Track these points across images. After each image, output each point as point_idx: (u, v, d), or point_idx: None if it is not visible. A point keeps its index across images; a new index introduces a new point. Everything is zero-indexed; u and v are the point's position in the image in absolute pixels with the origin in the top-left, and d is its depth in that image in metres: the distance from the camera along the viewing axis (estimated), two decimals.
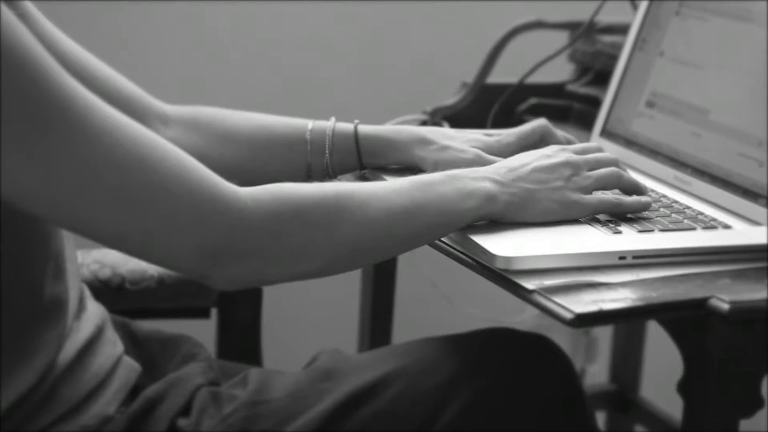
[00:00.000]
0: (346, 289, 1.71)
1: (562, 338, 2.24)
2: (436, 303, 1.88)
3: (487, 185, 1.01)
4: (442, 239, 1.05)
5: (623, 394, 1.89)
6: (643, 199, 1.09)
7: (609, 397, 1.89)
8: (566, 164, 1.06)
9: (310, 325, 2.06)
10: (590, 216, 1.07)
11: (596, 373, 2.20)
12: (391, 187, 0.99)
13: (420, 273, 1.67)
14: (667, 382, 1.83)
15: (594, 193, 1.07)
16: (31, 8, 1.05)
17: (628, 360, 1.89)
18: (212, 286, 0.92)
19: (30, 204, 0.84)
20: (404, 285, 1.58)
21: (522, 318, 2.00)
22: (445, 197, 0.99)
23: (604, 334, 2.12)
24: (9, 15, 0.81)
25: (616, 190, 1.10)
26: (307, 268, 0.94)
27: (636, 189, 1.10)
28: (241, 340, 1.46)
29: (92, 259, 1.34)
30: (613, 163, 1.10)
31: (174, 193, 0.86)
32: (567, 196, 1.05)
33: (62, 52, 1.08)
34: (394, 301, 1.54)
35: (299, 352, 1.44)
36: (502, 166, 1.06)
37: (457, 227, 1.02)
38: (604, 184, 1.08)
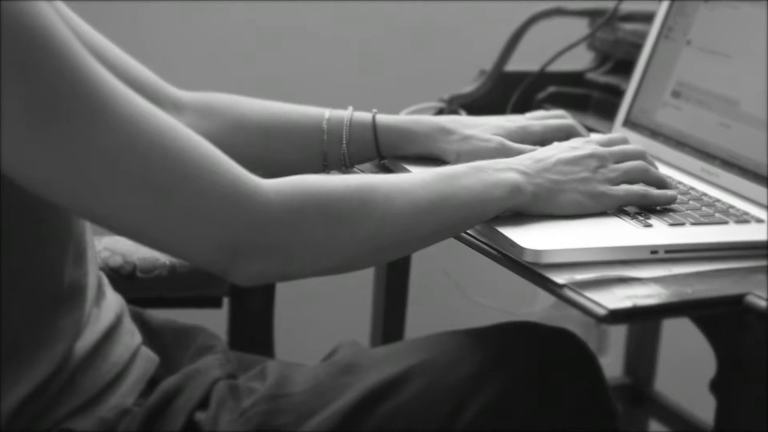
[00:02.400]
0: (360, 278, 1.68)
1: (573, 330, 2.23)
2: (448, 293, 1.86)
3: (513, 176, 1.00)
4: (468, 231, 1.03)
5: (638, 388, 1.87)
6: (669, 192, 1.07)
7: (623, 391, 1.87)
8: (592, 156, 1.05)
9: (322, 315, 2.04)
10: (617, 208, 1.05)
11: (608, 366, 2.18)
12: (415, 180, 0.97)
13: (433, 263, 1.65)
14: (683, 376, 1.82)
15: (620, 185, 1.05)
16: None
17: (642, 353, 1.87)
18: (233, 281, 0.90)
19: (51, 192, 0.82)
20: (417, 275, 1.56)
21: (534, 309, 1.98)
22: (471, 189, 0.97)
23: (616, 327, 2.10)
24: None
25: (642, 184, 1.07)
26: (330, 263, 0.92)
27: (662, 183, 1.08)
28: (253, 330, 1.44)
29: (103, 246, 1.32)
30: (640, 155, 1.09)
31: (196, 186, 0.85)
32: (594, 188, 1.03)
33: (79, 36, 1.05)
34: (407, 290, 1.52)
35: (312, 342, 1.43)
36: (526, 158, 1.04)
37: (483, 219, 1.00)
38: (631, 177, 1.06)
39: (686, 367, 1.79)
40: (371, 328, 1.56)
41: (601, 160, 1.05)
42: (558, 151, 1.05)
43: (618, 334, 2.04)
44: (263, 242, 0.87)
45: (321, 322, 2.01)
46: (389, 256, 1.00)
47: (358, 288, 1.72)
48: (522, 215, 1.02)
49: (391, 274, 1.50)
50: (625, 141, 1.12)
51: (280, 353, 1.46)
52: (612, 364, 2.10)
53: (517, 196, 0.99)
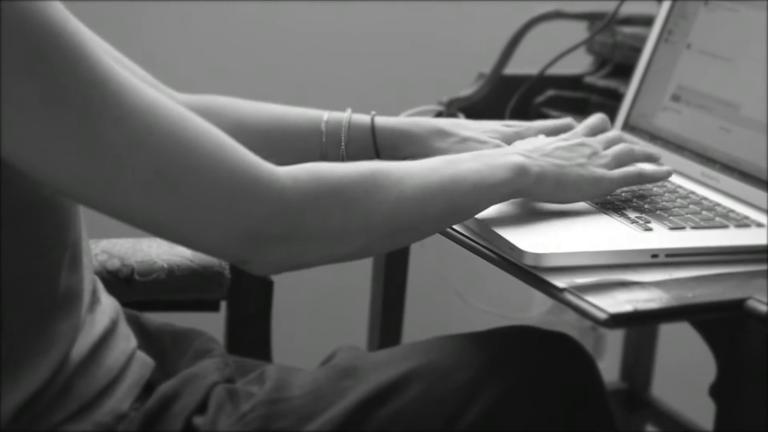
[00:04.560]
0: (357, 282, 1.68)
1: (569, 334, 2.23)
2: (445, 297, 1.86)
3: (518, 158, 1.01)
4: (467, 234, 1.02)
5: (634, 393, 1.86)
6: (664, 168, 1.10)
7: (620, 396, 1.87)
8: (583, 145, 1.07)
9: (320, 319, 2.04)
10: (617, 189, 1.07)
11: (604, 371, 2.18)
12: (424, 164, 0.97)
13: (430, 266, 1.64)
14: (680, 381, 1.82)
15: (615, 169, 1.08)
16: None
17: (639, 358, 1.87)
18: (252, 270, 0.90)
19: (66, 185, 0.82)
20: (414, 278, 1.56)
21: (530, 314, 1.98)
22: (479, 172, 0.98)
23: (612, 332, 2.10)
24: None
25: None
26: (347, 249, 0.92)
27: (649, 158, 1.11)
28: (251, 334, 1.43)
29: (101, 249, 1.31)
30: (619, 139, 1.12)
31: (211, 175, 0.84)
32: (593, 171, 1.05)
33: None
34: (405, 294, 1.52)
35: (310, 345, 1.42)
36: (527, 145, 1.06)
37: (492, 203, 1.01)
38: (621, 161, 1.08)
39: (683, 372, 1.79)
40: (369, 332, 1.55)
41: (593, 148, 1.07)
42: (551, 140, 1.08)
43: (614, 339, 2.04)
44: (281, 230, 0.87)
45: (319, 325, 2.01)
46: (402, 241, 1.00)
47: (356, 290, 1.72)
48: (522, 218, 1.02)
49: (389, 278, 1.50)
50: (604, 124, 1.15)
51: (277, 357, 1.45)
52: (609, 369, 2.10)
53: (522, 177, 1.00)
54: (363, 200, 0.91)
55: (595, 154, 1.07)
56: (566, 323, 1.85)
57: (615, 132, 1.13)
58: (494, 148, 1.13)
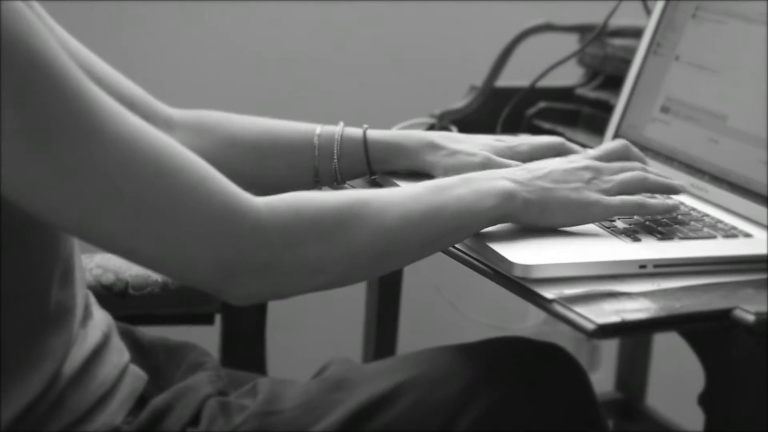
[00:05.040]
0: (352, 295, 1.69)
1: (565, 345, 2.23)
2: (440, 309, 1.86)
3: (505, 183, 1.00)
4: (458, 247, 1.03)
5: (629, 402, 1.87)
6: (670, 201, 1.06)
7: (615, 405, 1.88)
8: (587, 168, 1.04)
9: (315, 331, 2.04)
10: (612, 218, 1.04)
11: (599, 381, 2.18)
12: (406, 193, 0.97)
13: (425, 279, 1.65)
14: (674, 390, 1.82)
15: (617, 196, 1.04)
16: (41, 10, 1.04)
17: (634, 367, 1.87)
18: (227, 300, 0.90)
19: (46, 212, 0.82)
20: (409, 291, 1.57)
21: (524, 325, 1.98)
22: (463, 200, 0.97)
23: (607, 342, 2.10)
24: (30, 17, 0.79)
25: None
26: (326, 279, 0.92)
27: (664, 189, 1.07)
28: (246, 347, 1.44)
29: (95, 263, 1.32)
30: (637, 167, 1.07)
31: (191, 205, 0.84)
32: (586, 196, 1.02)
33: (69, 54, 1.06)
34: (399, 306, 1.53)
35: (304, 358, 1.43)
36: (519, 168, 1.04)
37: (477, 229, 1.00)
38: (628, 189, 1.04)
39: (677, 382, 1.80)
40: (363, 344, 1.56)
41: (596, 172, 1.04)
42: (551, 162, 1.05)
43: (610, 349, 2.05)
44: (257, 262, 0.87)
45: (314, 337, 2.01)
46: (384, 269, 0.99)
47: (351, 303, 1.72)
48: (513, 231, 1.02)
49: (383, 290, 1.51)
50: (625, 150, 1.10)
51: (272, 370, 1.46)
52: (604, 379, 2.10)
53: (508, 203, 0.99)
54: (341, 231, 0.91)
55: (596, 178, 1.04)
56: (561, 334, 1.86)
57: (637, 154, 1.09)
58: (483, 160, 1.13)
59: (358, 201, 0.93)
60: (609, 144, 1.11)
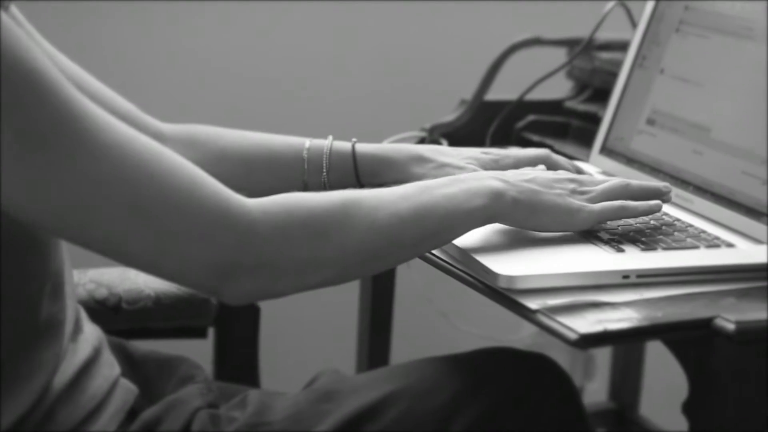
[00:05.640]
0: (344, 307, 1.70)
1: (560, 356, 2.23)
2: (433, 321, 1.87)
3: (494, 182, 1.01)
4: (445, 258, 1.04)
5: (623, 412, 1.88)
6: (651, 201, 1.07)
7: (608, 415, 1.88)
8: (570, 180, 1.06)
9: (308, 343, 2.05)
10: (596, 224, 1.05)
11: (595, 391, 2.19)
12: (398, 192, 0.98)
13: (417, 290, 1.66)
14: (667, 400, 1.83)
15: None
16: (32, 29, 1.05)
17: (627, 377, 1.88)
18: (223, 300, 0.91)
19: (41, 220, 0.84)
20: (402, 302, 1.57)
21: (519, 336, 1.99)
22: (453, 198, 0.98)
23: (602, 352, 2.11)
24: (16, 29, 0.80)
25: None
26: (319, 278, 0.93)
27: (647, 194, 1.08)
28: (239, 360, 1.45)
29: (88, 278, 1.33)
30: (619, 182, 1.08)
31: (184, 208, 0.86)
32: (571, 203, 1.03)
33: (59, 69, 1.07)
34: (392, 318, 1.53)
35: (297, 370, 1.44)
36: (507, 172, 1.05)
37: (467, 229, 1.00)
38: (610, 197, 1.06)
39: (670, 392, 1.80)
40: (356, 354, 1.57)
41: (579, 184, 1.06)
42: (536, 172, 1.07)
43: (606, 359, 2.05)
44: (251, 261, 0.89)
45: (307, 349, 2.02)
46: (377, 268, 1.00)
47: (344, 315, 1.73)
48: (499, 242, 1.03)
49: (376, 301, 1.51)
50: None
51: (265, 382, 1.47)
52: (600, 389, 2.11)
53: (497, 202, 1.00)
54: (333, 231, 0.92)
55: (579, 189, 1.05)
56: (556, 344, 1.86)
57: (617, 179, 1.09)
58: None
59: (350, 200, 0.94)
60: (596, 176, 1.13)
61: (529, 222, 1.03)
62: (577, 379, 2.19)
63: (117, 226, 0.84)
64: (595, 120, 1.46)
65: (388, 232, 0.95)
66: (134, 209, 0.84)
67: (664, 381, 1.95)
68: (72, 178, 0.82)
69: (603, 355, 2.08)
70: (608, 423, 1.90)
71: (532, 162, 1.18)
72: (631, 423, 1.87)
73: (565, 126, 1.54)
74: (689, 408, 0.98)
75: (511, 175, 1.04)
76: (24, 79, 0.80)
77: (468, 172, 1.14)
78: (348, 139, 1.19)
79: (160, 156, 0.86)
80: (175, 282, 0.92)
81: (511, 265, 0.98)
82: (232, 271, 0.88)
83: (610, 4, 1.49)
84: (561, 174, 1.07)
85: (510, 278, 0.97)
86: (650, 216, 1.11)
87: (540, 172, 1.07)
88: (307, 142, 1.17)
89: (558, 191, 1.04)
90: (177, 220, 0.86)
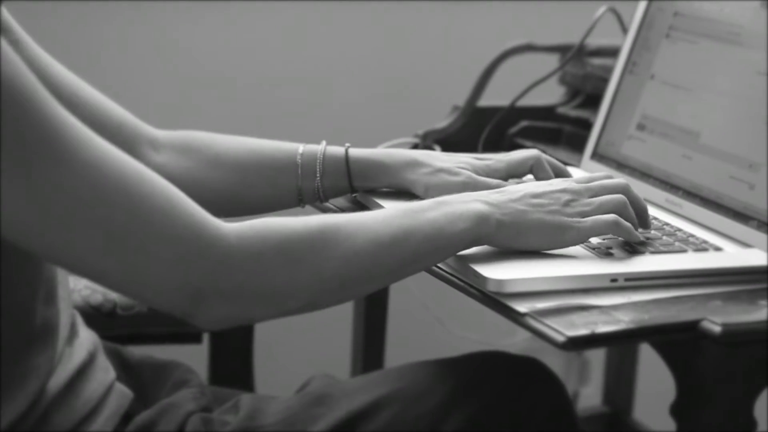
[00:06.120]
0: (339, 312, 1.70)
1: (555, 361, 2.24)
2: (428, 326, 1.87)
3: (478, 206, 0.99)
4: (437, 264, 1.04)
5: (616, 417, 1.89)
6: (640, 232, 1.05)
7: (602, 420, 1.89)
8: (564, 191, 1.04)
9: (302, 349, 2.06)
10: (587, 239, 1.04)
11: (590, 396, 2.20)
12: (378, 216, 0.97)
13: (412, 296, 1.67)
14: (661, 404, 1.84)
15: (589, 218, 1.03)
16: (23, 34, 1.06)
17: (621, 382, 1.89)
18: (196, 324, 0.90)
19: (13, 235, 0.83)
20: (396, 308, 1.58)
21: (514, 340, 2.00)
22: (435, 223, 0.97)
23: (597, 357, 2.12)
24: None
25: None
26: (294, 305, 0.92)
27: (641, 222, 1.07)
28: (234, 365, 1.46)
29: (84, 284, 1.34)
30: (621, 189, 1.06)
31: (159, 231, 0.85)
32: (560, 220, 1.01)
33: (53, 78, 1.08)
34: (386, 323, 1.54)
35: (292, 375, 1.44)
36: (494, 191, 1.04)
37: (450, 252, 1.00)
38: (606, 211, 1.04)
39: (663, 396, 1.81)
40: (351, 359, 1.57)
41: (574, 194, 1.03)
42: (528, 186, 1.05)
43: (600, 364, 2.06)
44: (225, 287, 0.88)
45: (302, 355, 2.02)
46: (356, 293, 1.00)
47: (339, 320, 1.74)
48: (489, 247, 1.04)
49: (371, 306, 1.52)
50: (607, 178, 1.08)
51: (260, 387, 1.48)
52: (595, 394, 2.12)
53: (482, 226, 0.98)
54: (309, 257, 0.91)
55: (574, 201, 1.03)
56: (551, 349, 1.87)
57: (620, 181, 1.07)
58: (466, 179, 1.15)
59: (329, 226, 0.93)
60: (594, 174, 1.10)
61: (517, 243, 1.01)
62: (572, 384, 2.20)
63: (91, 245, 0.83)
64: (587, 125, 1.46)
65: (365, 258, 0.93)
66: (109, 229, 0.83)
67: (657, 385, 1.96)
68: (49, 196, 0.81)
69: (598, 361, 2.09)
70: (602, 427, 1.91)
71: (524, 163, 1.18)
72: (625, 426, 1.88)
73: (558, 132, 1.55)
74: (677, 409, 0.99)
75: (498, 195, 1.02)
76: (4, 94, 0.79)
77: (462, 178, 1.15)
78: (341, 145, 1.20)
79: (138, 177, 0.85)
80: (148, 305, 0.92)
81: (501, 269, 0.99)
82: (205, 296, 0.87)
83: (600, 10, 1.50)
84: (556, 184, 1.05)
85: (499, 282, 0.98)
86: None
87: (533, 186, 1.04)
88: (301, 148, 1.17)
89: (549, 207, 1.02)
90: (151, 242, 0.85)
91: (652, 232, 1.12)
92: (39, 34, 1.11)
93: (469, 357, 1.11)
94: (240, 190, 1.17)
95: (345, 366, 1.60)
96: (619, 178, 1.08)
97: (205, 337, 1.45)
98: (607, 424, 1.90)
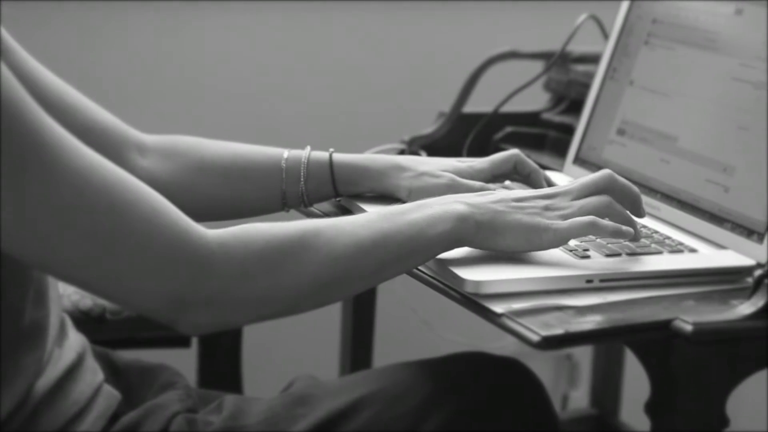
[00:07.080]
0: (328, 314, 1.71)
1: (545, 363, 2.26)
2: (416, 329, 1.89)
3: (458, 207, 1.00)
4: (418, 267, 1.05)
5: (604, 418, 1.90)
6: (624, 227, 1.04)
7: (590, 421, 1.91)
8: (546, 196, 1.04)
9: (291, 351, 2.07)
10: (566, 242, 1.03)
11: (580, 399, 2.22)
12: (359, 220, 0.98)
13: (399, 299, 1.68)
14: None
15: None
16: (9, 40, 1.07)
17: (608, 384, 1.90)
18: (180, 331, 0.92)
19: (2, 243, 0.84)
20: (384, 311, 1.59)
21: (502, 343, 2.01)
22: (414, 225, 0.98)
23: (585, 360, 2.14)
24: None
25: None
26: (276, 309, 0.94)
27: (627, 221, 1.06)
28: (222, 368, 1.47)
29: (73, 289, 1.35)
30: (605, 184, 1.05)
31: (142, 238, 0.86)
32: (538, 221, 1.01)
33: (39, 84, 1.09)
34: (374, 326, 1.55)
35: (281, 377, 1.46)
36: (476, 194, 1.05)
37: (431, 254, 1.01)
38: (587, 213, 1.03)
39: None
40: (339, 362, 1.59)
41: (555, 198, 1.04)
42: (512, 191, 1.06)
43: (589, 368, 2.08)
44: (207, 294, 0.89)
45: (290, 357, 2.03)
46: (338, 296, 1.01)
47: (327, 323, 1.75)
48: (468, 250, 1.06)
49: (358, 309, 1.53)
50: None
51: (249, 390, 1.49)
52: (584, 397, 2.13)
53: (461, 227, 0.99)
54: (289, 263, 0.92)
55: (554, 204, 1.03)
56: (541, 353, 1.89)
57: (601, 174, 1.06)
58: (449, 181, 1.16)
59: (309, 231, 0.94)
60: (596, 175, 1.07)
61: (495, 243, 1.02)
62: (561, 387, 2.22)
63: (75, 253, 0.85)
64: (571, 131, 1.48)
65: (346, 261, 0.95)
66: (93, 237, 0.84)
67: (643, 388, 1.98)
68: (33, 204, 0.82)
69: (587, 364, 2.10)
70: (589, 429, 1.92)
71: (508, 161, 1.20)
72: (612, 428, 1.89)
73: (542, 137, 1.57)
74: (651, 407, 1.01)
75: (478, 197, 1.02)
76: None
77: (445, 180, 1.17)
78: (326, 150, 1.21)
79: (122, 185, 0.86)
80: (132, 311, 0.93)
81: (478, 271, 1.01)
82: (188, 303, 0.88)
83: (581, 18, 1.52)
84: (534, 192, 1.06)
85: (476, 283, 0.99)
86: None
87: (516, 191, 1.05)
88: (286, 153, 1.18)
89: (528, 210, 1.02)
90: (135, 250, 0.86)
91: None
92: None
93: (450, 358, 1.13)
94: (225, 194, 1.18)
95: (333, 368, 1.62)
96: (604, 170, 1.07)
97: (194, 340, 1.46)
98: (595, 425, 1.91)
